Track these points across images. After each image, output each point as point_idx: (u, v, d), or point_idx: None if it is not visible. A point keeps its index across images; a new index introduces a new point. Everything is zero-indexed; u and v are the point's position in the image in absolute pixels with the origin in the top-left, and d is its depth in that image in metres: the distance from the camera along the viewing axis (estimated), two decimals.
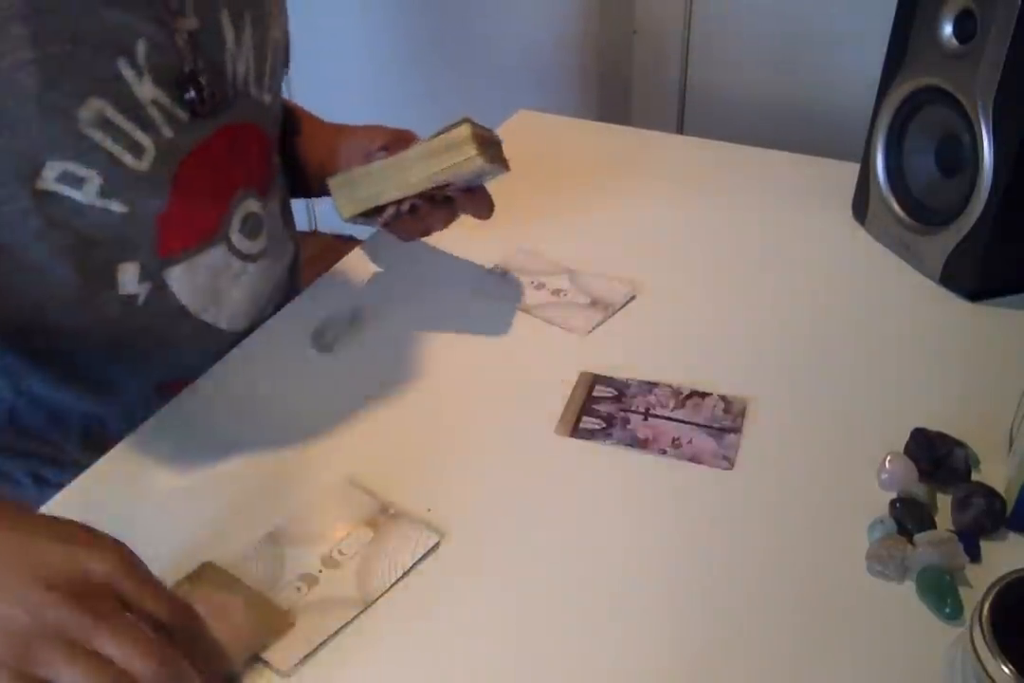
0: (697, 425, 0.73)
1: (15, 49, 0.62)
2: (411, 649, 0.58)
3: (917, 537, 0.62)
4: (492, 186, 0.83)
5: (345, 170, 0.78)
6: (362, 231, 0.88)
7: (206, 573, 0.61)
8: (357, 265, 0.94)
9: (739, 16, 1.51)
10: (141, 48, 0.68)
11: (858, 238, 0.96)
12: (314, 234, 2.22)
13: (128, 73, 0.68)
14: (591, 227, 0.99)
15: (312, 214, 2.20)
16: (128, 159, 0.70)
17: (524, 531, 0.66)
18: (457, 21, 1.76)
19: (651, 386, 0.77)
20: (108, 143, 0.68)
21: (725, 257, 0.94)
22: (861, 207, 0.96)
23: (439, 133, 0.75)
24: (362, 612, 0.60)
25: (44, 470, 0.82)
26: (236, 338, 0.84)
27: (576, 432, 0.73)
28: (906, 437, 0.70)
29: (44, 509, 0.67)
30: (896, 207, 0.92)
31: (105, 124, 0.67)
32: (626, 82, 1.67)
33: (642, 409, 0.75)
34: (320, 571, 0.62)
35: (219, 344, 0.82)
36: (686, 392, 0.76)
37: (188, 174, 0.74)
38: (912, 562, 0.61)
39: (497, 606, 0.61)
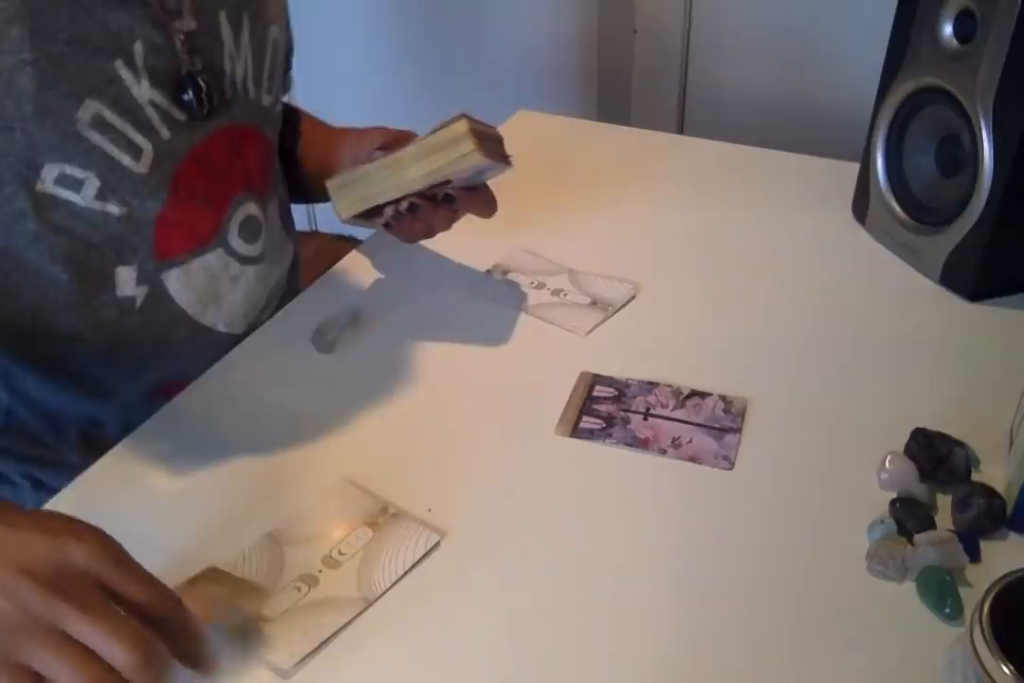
0: (697, 425, 0.73)
1: (12, 50, 0.62)
2: (411, 649, 0.58)
3: (917, 537, 0.62)
4: (492, 186, 0.82)
5: (342, 172, 0.77)
6: (362, 231, 0.88)
7: (210, 575, 0.61)
8: (357, 265, 0.94)
9: (739, 16, 1.51)
10: (138, 49, 0.68)
11: (858, 238, 0.96)
12: (314, 234, 2.21)
13: (125, 74, 0.68)
14: (591, 227, 0.99)
15: (312, 214, 2.20)
16: (126, 160, 0.70)
17: (524, 531, 0.66)
18: (457, 21, 1.76)
19: (651, 386, 0.77)
20: (106, 144, 0.68)
21: (725, 257, 0.94)
22: (861, 207, 0.96)
23: (436, 130, 0.73)
24: (362, 612, 0.60)
25: (41, 473, 0.82)
26: (234, 341, 0.83)
27: (576, 432, 0.73)
28: (906, 437, 0.70)
29: None
30: (896, 207, 0.92)
31: (102, 125, 0.67)
32: (626, 82, 1.67)
33: (642, 409, 0.75)
34: (320, 571, 0.62)
35: (217, 347, 0.82)
36: (686, 392, 0.76)
37: (186, 176, 0.74)
38: (912, 562, 0.61)
39: (497, 606, 0.61)
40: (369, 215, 0.78)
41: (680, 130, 1.66)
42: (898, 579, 0.61)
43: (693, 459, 0.71)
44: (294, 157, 0.95)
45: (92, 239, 0.71)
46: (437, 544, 0.64)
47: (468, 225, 0.85)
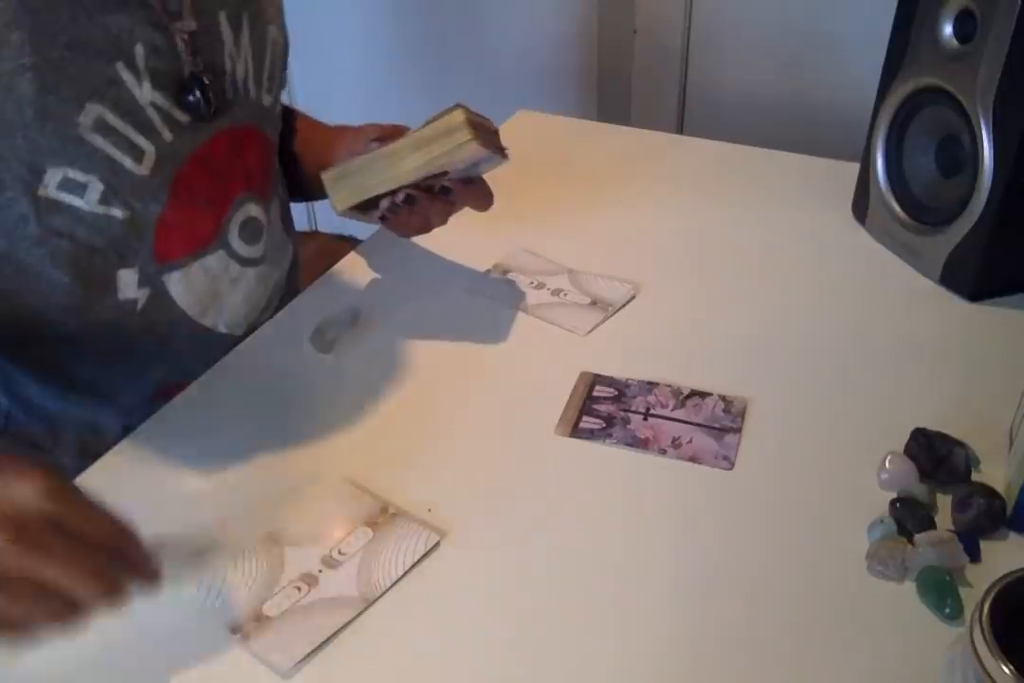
0: (697, 425, 0.73)
1: (11, 55, 0.62)
2: (411, 649, 0.58)
3: (917, 537, 0.62)
4: (492, 186, 0.82)
5: (339, 163, 0.77)
6: (362, 231, 0.88)
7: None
8: (357, 265, 0.94)
9: (739, 16, 1.51)
10: (139, 51, 0.68)
11: (858, 238, 0.96)
12: (314, 234, 2.21)
13: (127, 77, 0.67)
14: (591, 227, 0.99)
15: (312, 214, 2.20)
16: (128, 163, 0.69)
17: (524, 531, 0.66)
18: (457, 21, 1.76)
19: (651, 386, 0.77)
20: (108, 148, 0.68)
21: (725, 257, 0.94)
22: (861, 207, 0.96)
23: (431, 121, 0.73)
24: (362, 612, 0.60)
25: None
26: (235, 342, 0.83)
27: (576, 432, 0.73)
28: (906, 437, 0.70)
29: None
30: (896, 207, 0.92)
31: (104, 128, 0.67)
32: (626, 82, 1.67)
33: (642, 409, 0.75)
34: (320, 571, 0.63)
35: (218, 348, 0.82)
36: (686, 392, 0.76)
37: (187, 178, 0.74)
38: (912, 562, 0.61)
39: (497, 606, 0.61)
40: (366, 208, 0.78)
41: (680, 130, 1.66)
42: (898, 579, 0.61)
43: (693, 459, 0.71)
44: (291, 155, 0.95)
45: (94, 243, 0.71)
46: (437, 544, 0.64)
47: (468, 225, 0.85)
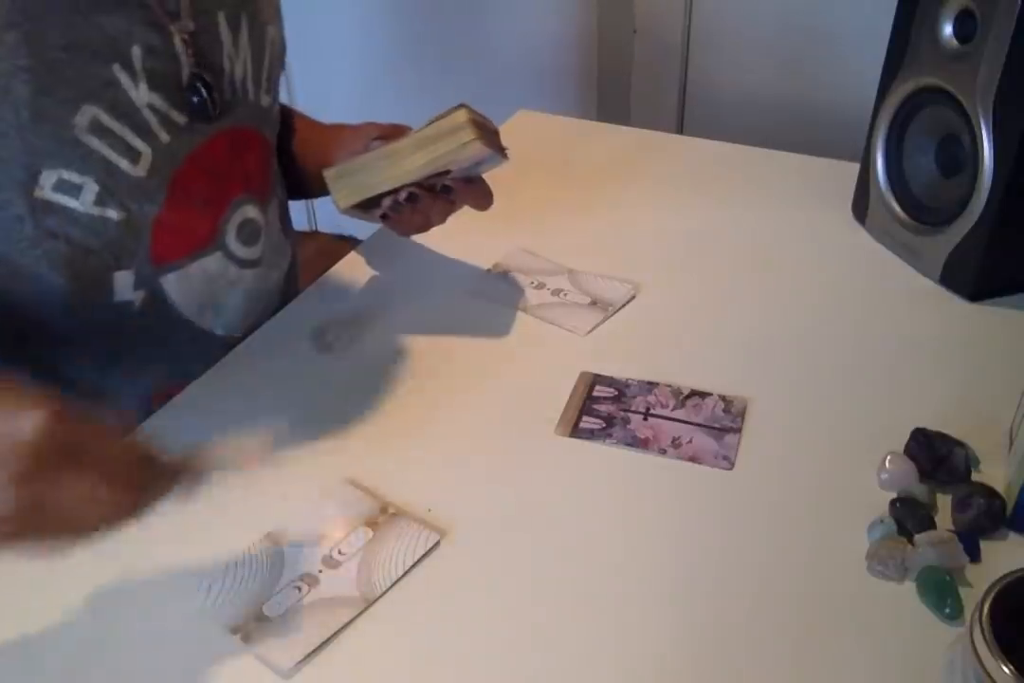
0: (697, 425, 0.73)
1: (7, 56, 0.61)
2: (411, 649, 0.58)
3: (917, 537, 0.62)
4: (492, 186, 0.82)
5: (340, 162, 0.77)
6: (362, 231, 0.88)
7: None
8: (357, 265, 0.94)
9: (739, 16, 1.51)
10: (137, 52, 0.68)
11: (858, 238, 0.96)
12: (314, 234, 2.22)
13: (123, 78, 0.67)
14: (591, 227, 0.99)
15: (312, 214, 2.20)
16: (124, 165, 0.69)
17: (524, 531, 0.66)
18: (457, 21, 1.76)
19: (651, 386, 0.77)
20: (104, 149, 0.68)
21: (725, 257, 0.94)
22: (861, 207, 0.96)
23: (434, 120, 0.73)
24: (362, 612, 0.60)
25: None
26: (233, 344, 0.83)
27: (576, 432, 0.73)
28: (906, 437, 0.70)
29: None
30: (896, 207, 0.92)
31: (100, 130, 0.67)
32: (626, 82, 1.67)
33: (642, 409, 0.75)
34: (320, 571, 0.63)
35: (217, 350, 0.82)
36: (686, 392, 0.76)
37: (184, 179, 0.74)
38: (912, 562, 0.61)
39: (497, 606, 0.61)
40: (367, 206, 0.78)
41: (680, 130, 1.66)
42: (898, 579, 0.61)
43: (693, 459, 0.71)
44: (289, 155, 0.95)
45: (90, 244, 0.71)
46: (437, 544, 0.64)
47: (468, 225, 0.85)
